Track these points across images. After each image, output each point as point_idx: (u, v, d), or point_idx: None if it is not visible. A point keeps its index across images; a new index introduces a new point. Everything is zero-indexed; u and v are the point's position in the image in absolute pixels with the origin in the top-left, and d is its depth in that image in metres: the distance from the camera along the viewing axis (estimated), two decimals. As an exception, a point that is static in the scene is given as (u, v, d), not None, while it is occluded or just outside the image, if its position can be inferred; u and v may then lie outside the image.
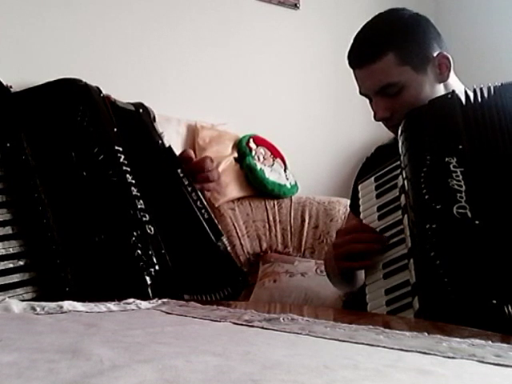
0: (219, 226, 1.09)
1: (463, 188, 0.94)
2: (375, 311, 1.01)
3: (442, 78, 1.26)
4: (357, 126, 3.09)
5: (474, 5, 3.16)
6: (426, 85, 1.24)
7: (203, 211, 1.06)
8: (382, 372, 0.44)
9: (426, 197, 0.97)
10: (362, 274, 1.20)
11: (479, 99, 1.07)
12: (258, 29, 2.81)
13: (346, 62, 1.32)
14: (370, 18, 1.33)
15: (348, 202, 2.53)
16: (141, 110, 1.13)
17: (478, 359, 0.48)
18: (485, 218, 0.91)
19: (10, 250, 0.89)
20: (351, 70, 1.34)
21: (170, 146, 1.12)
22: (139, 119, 1.12)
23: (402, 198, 1.04)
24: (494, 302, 0.83)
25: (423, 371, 0.44)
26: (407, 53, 1.23)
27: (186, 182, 1.07)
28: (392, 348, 0.52)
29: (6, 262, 0.88)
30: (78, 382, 0.39)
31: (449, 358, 0.49)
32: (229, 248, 1.11)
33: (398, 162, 1.09)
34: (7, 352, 0.47)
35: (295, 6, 2.91)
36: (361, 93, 1.32)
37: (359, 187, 1.22)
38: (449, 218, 0.92)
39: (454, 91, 1.12)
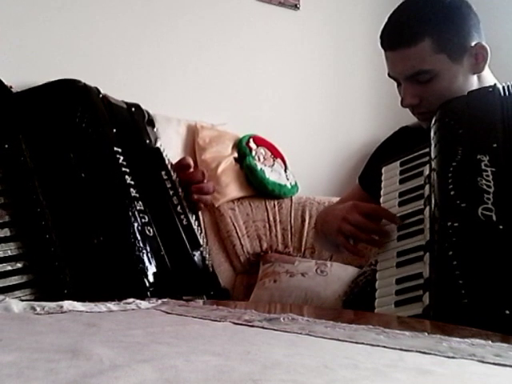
0: (199, 237, 1.06)
1: (492, 189, 0.91)
2: (383, 300, 0.99)
3: (477, 69, 1.21)
4: (357, 126, 3.09)
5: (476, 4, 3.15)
6: (460, 75, 1.19)
7: (182, 217, 1.04)
8: (382, 372, 0.44)
9: (452, 193, 0.93)
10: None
11: None
12: (258, 29, 2.82)
13: (378, 43, 1.25)
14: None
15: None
16: (133, 109, 1.12)
17: (478, 359, 0.48)
18: (510, 224, 0.88)
19: (9, 252, 0.88)
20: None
21: (157, 148, 1.10)
22: (130, 117, 1.11)
23: (427, 188, 1.01)
24: (507, 312, 0.81)
25: (423, 371, 0.44)
26: (445, 40, 1.18)
27: (169, 185, 1.06)
28: (392, 348, 0.52)
29: (4, 264, 0.87)
30: (78, 381, 0.39)
31: (449, 357, 0.49)
32: (208, 262, 1.07)
33: (427, 149, 1.06)
34: (7, 352, 0.47)
35: (295, 7, 2.91)
36: (389, 75, 1.26)
37: (383, 170, 1.18)
38: (472, 218, 0.89)
39: (495, 84, 1.08)
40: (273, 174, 2.52)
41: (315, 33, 2.99)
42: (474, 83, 1.21)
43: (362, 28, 2.97)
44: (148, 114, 1.15)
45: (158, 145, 1.12)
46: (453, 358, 0.48)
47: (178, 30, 2.58)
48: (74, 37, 2.32)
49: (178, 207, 1.05)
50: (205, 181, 1.13)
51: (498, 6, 3.03)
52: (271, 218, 2.49)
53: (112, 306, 0.74)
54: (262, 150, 2.57)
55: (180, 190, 1.09)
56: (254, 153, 2.52)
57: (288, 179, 2.58)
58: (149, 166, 1.07)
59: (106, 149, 1.01)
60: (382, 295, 1.00)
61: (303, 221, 2.51)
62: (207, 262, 1.06)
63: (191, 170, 1.14)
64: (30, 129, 0.99)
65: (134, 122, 1.11)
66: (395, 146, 1.18)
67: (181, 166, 1.14)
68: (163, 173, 1.07)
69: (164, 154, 1.11)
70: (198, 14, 2.64)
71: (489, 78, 1.25)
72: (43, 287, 0.88)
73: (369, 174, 1.19)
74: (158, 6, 2.53)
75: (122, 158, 1.01)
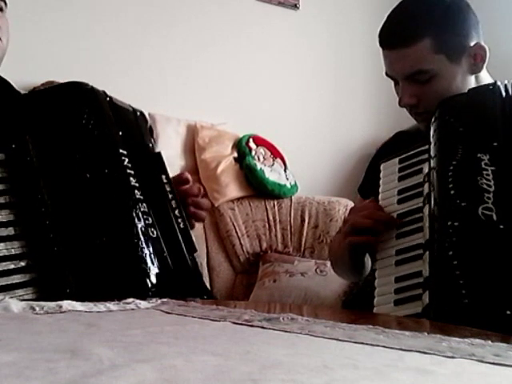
0: (194, 240, 1.07)
1: (492, 188, 0.90)
2: (382, 298, 0.98)
3: (476, 69, 1.21)
4: (357, 126, 3.09)
5: (477, 4, 3.16)
6: (458, 75, 1.19)
7: (180, 220, 1.06)
8: (382, 372, 0.44)
9: (452, 192, 0.93)
10: (369, 262, 1.15)
11: None
12: (257, 29, 2.82)
13: (377, 41, 1.24)
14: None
15: (348, 202, 2.55)
16: (138, 114, 1.14)
17: (478, 359, 0.48)
18: (510, 223, 0.87)
19: (12, 250, 0.89)
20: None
21: (159, 152, 1.12)
22: (135, 121, 1.12)
23: (426, 186, 1.00)
24: (508, 312, 0.80)
25: (423, 371, 0.44)
26: (444, 40, 1.17)
27: (168, 189, 1.08)
28: (392, 348, 0.52)
29: (7, 263, 0.88)
30: (77, 381, 0.39)
31: (448, 357, 0.49)
32: (200, 268, 1.09)
33: (426, 146, 1.05)
34: (6, 352, 0.47)
35: (295, 7, 2.91)
36: (387, 74, 1.25)
37: (381, 166, 1.17)
38: (473, 217, 0.88)
39: (495, 82, 1.07)
40: (272, 173, 2.52)
41: (315, 32, 2.99)
42: (472, 83, 1.21)
43: (362, 28, 2.97)
44: (148, 120, 1.17)
45: (157, 148, 1.14)
46: (452, 357, 0.48)
47: (178, 30, 2.58)
48: (75, 37, 2.32)
49: (176, 211, 1.07)
50: (200, 196, 1.15)
51: (498, 6, 3.04)
52: (271, 218, 2.49)
53: (111, 305, 0.74)
54: (261, 150, 2.57)
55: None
56: (253, 153, 2.52)
57: (288, 179, 2.58)
58: (151, 169, 1.09)
59: (112, 150, 1.02)
60: (381, 294, 0.99)
61: (303, 221, 2.51)
62: (199, 268, 1.08)
63: (188, 185, 1.16)
64: (37, 130, 0.99)
65: (138, 126, 1.12)
66: (392, 152, 1.18)
67: (179, 179, 1.15)
68: (164, 177, 1.09)
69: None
70: (197, 13, 2.64)
71: (486, 78, 1.24)
72: (46, 286, 0.89)
73: (368, 184, 1.19)
74: (158, 6, 2.53)
75: (126, 160, 1.02)
